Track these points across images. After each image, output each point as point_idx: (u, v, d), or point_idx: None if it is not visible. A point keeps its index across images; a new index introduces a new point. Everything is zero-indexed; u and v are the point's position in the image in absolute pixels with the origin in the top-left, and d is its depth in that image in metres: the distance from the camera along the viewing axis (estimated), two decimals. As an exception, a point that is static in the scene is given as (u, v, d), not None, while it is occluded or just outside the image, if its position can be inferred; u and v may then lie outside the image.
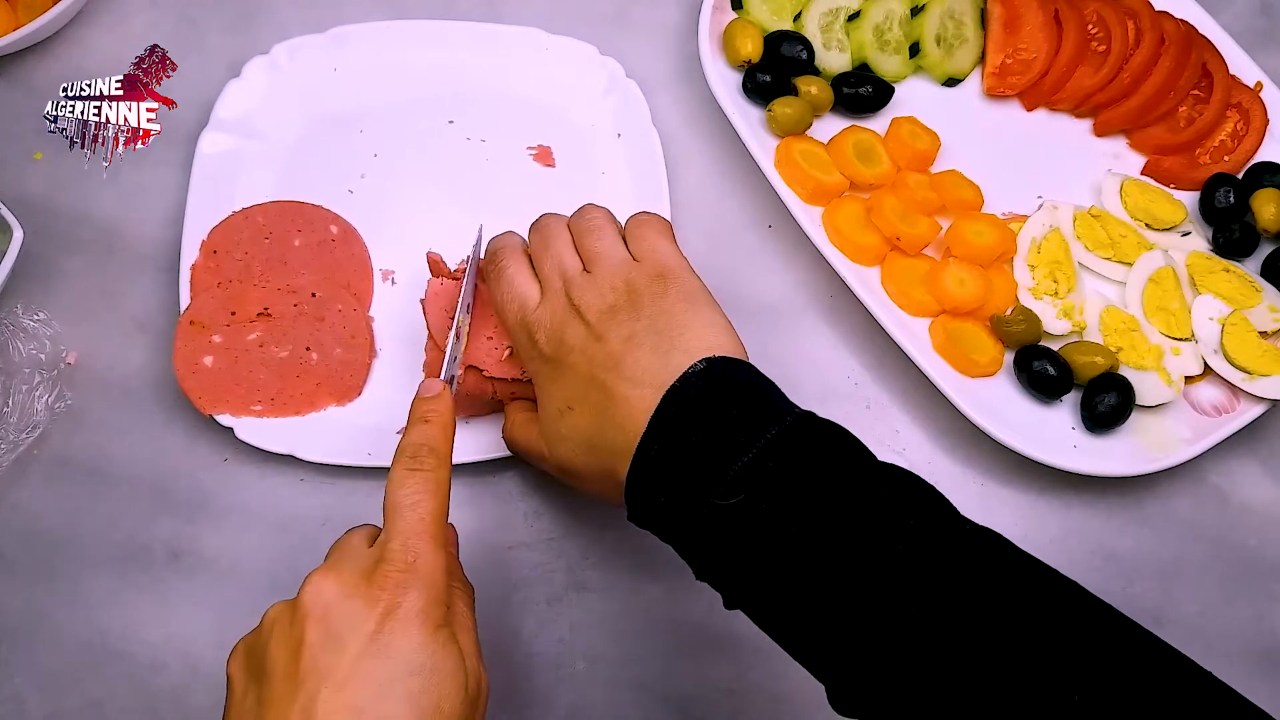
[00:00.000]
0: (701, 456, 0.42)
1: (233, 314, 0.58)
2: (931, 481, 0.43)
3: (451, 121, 0.65)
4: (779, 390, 0.46)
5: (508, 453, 0.56)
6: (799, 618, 0.41)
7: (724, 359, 0.45)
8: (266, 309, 0.59)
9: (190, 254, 0.59)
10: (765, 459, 0.41)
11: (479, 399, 0.55)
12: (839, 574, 0.40)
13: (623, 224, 0.53)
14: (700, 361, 0.45)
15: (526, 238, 0.55)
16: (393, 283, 0.61)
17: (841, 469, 0.42)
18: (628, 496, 0.45)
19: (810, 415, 0.44)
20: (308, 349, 0.58)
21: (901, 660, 0.38)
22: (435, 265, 0.56)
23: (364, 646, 0.39)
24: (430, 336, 0.55)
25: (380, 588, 0.40)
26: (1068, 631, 0.38)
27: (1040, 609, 0.39)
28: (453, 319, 0.53)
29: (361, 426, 0.57)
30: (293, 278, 0.60)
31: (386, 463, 0.56)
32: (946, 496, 0.43)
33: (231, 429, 0.56)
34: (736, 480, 0.41)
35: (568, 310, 0.49)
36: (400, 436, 0.46)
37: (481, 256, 0.56)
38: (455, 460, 0.56)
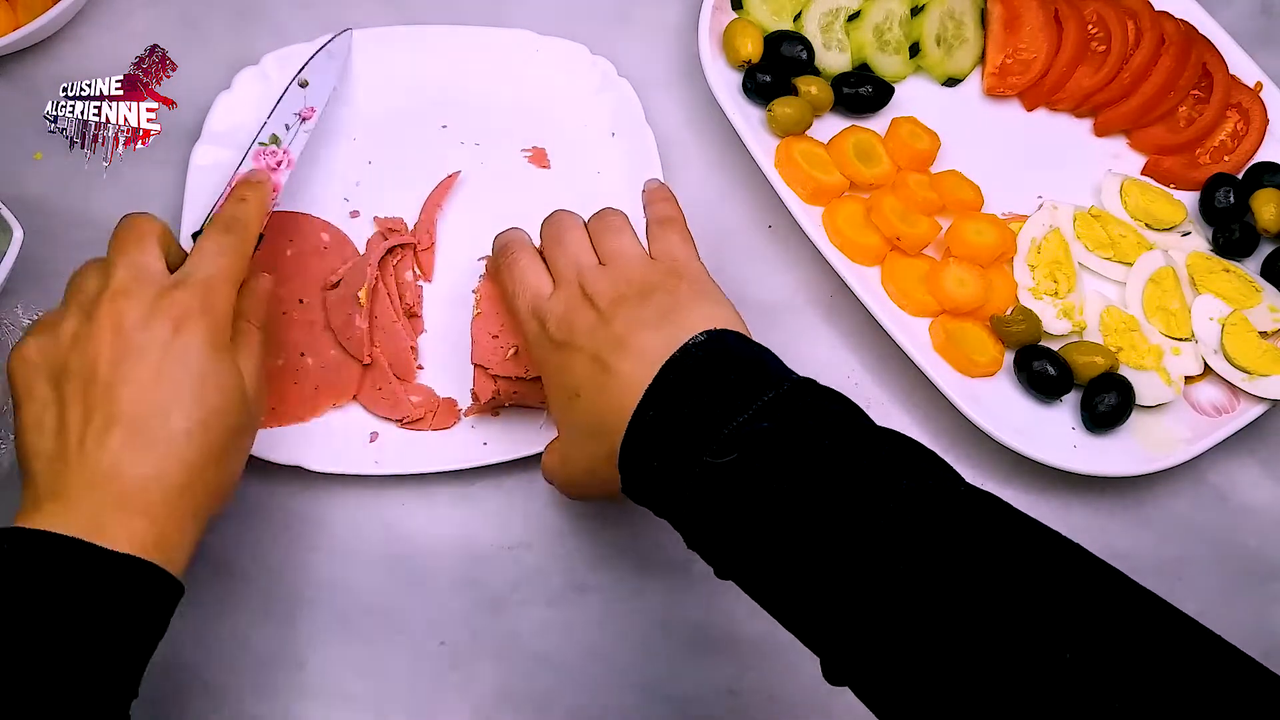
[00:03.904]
0: (696, 418, 0.42)
1: None
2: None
3: (445, 126, 0.65)
4: (781, 362, 0.46)
5: (508, 456, 0.56)
6: (790, 581, 0.40)
7: (726, 331, 0.46)
8: None
9: None
10: (760, 419, 0.41)
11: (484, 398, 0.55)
12: (829, 533, 0.39)
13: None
14: (701, 334, 0.45)
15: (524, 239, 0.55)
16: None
17: (837, 431, 0.41)
18: (621, 464, 0.45)
19: (810, 381, 0.44)
20: (302, 354, 0.58)
21: (892, 621, 0.37)
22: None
23: (162, 354, 0.44)
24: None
25: (176, 306, 0.45)
26: (1063, 590, 0.37)
27: (1036, 568, 0.38)
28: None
29: (363, 427, 0.57)
30: (282, 287, 0.59)
31: (391, 469, 0.56)
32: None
33: None
34: (730, 439, 0.41)
35: (580, 299, 0.49)
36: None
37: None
38: (456, 465, 0.57)
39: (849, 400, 0.44)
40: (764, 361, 0.45)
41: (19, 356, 0.46)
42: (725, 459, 0.41)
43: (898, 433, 0.43)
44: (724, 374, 0.44)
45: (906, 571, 0.37)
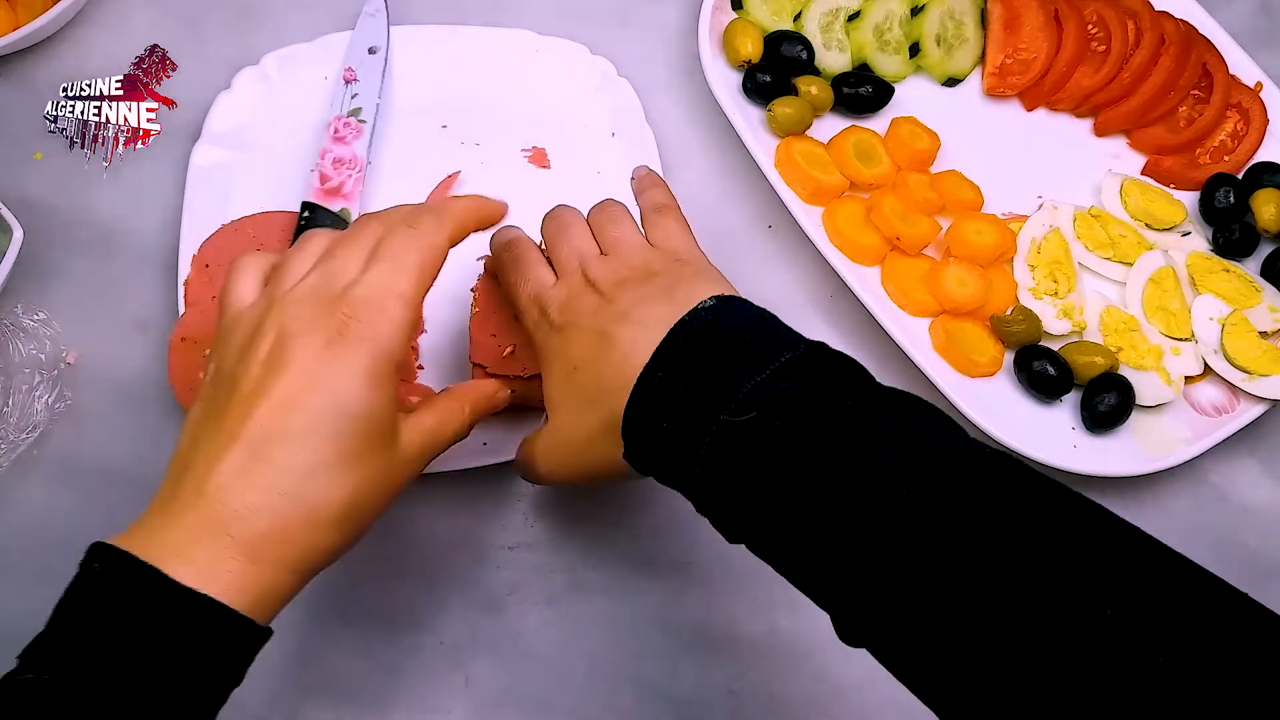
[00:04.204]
0: (711, 378, 0.41)
1: None
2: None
3: (445, 126, 0.65)
4: (789, 326, 0.45)
5: (509, 456, 0.56)
6: (808, 540, 0.39)
7: (736, 297, 0.45)
8: None
9: (186, 268, 0.59)
10: (779, 379, 0.40)
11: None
12: (853, 491, 0.37)
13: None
14: (711, 298, 0.44)
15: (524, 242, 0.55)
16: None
17: (858, 392, 0.41)
18: (626, 428, 0.43)
19: (823, 344, 0.43)
20: None
21: (929, 578, 0.36)
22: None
23: (308, 373, 0.39)
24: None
25: (338, 316, 0.40)
26: (1096, 548, 0.35)
27: (1066, 527, 0.36)
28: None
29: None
30: None
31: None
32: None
33: None
34: (749, 399, 0.40)
35: (583, 284, 0.49)
36: None
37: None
38: (456, 465, 0.56)
39: (860, 365, 0.43)
40: (775, 324, 0.44)
41: (224, 324, 0.43)
42: (744, 417, 0.40)
43: (915, 396, 0.42)
44: (738, 334, 0.43)
45: (940, 530, 0.36)
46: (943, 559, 0.36)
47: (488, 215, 0.48)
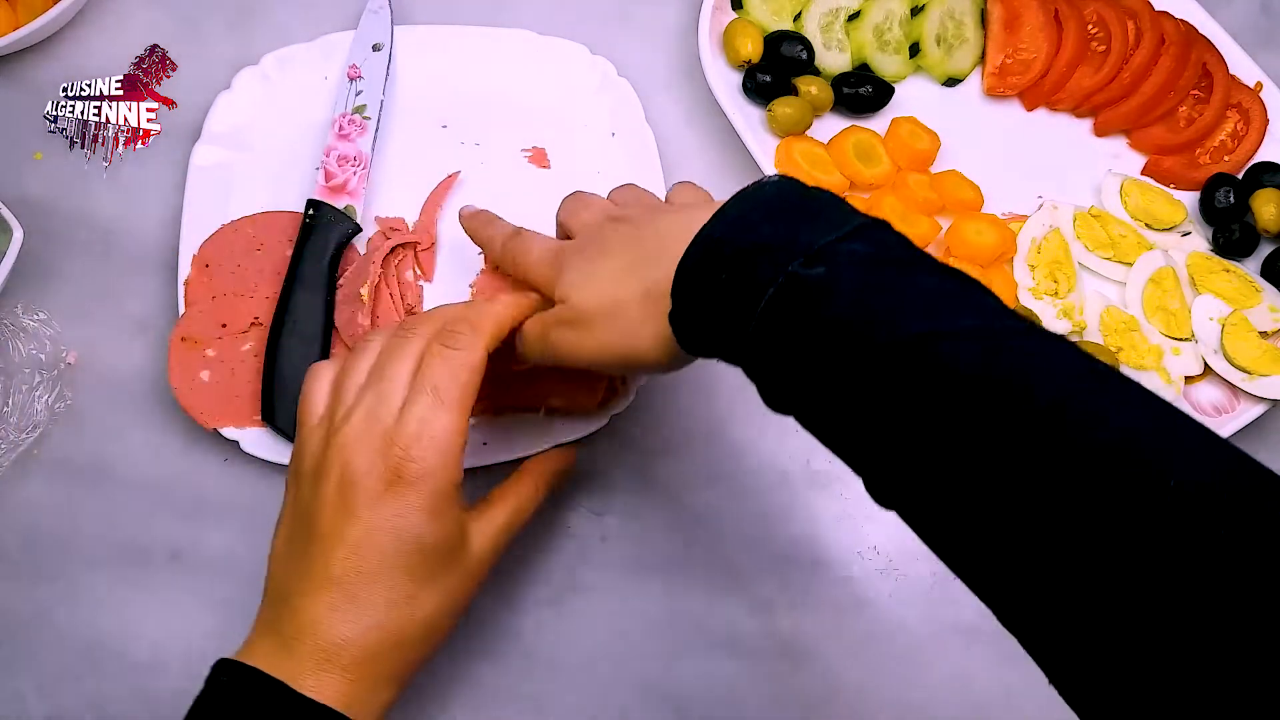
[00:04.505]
0: (778, 234, 0.40)
1: (224, 326, 0.58)
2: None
3: (445, 126, 0.65)
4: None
5: (509, 456, 0.56)
6: (862, 401, 0.38)
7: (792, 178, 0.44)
8: (257, 319, 0.58)
9: (186, 268, 0.59)
10: (853, 241, 0.39)
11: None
12: (916, 355, 0.36)
13: None
14: (770, 176, 0.44)
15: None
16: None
17: (929, 265, 0.40)
18: (677, 283, 0.41)
19: (887, 221, 0.42)
20: None
21: (974, 451, 0.35)
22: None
23: (376, 516, 0.43)
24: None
25: (393, 459, 0.43)
26: (1156, 420, 0.35)
27: (1124, 395, 0.36)
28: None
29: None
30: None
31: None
32: None
33: (237, 441, 0.56)
34: (822, 253, 0.39)
35: (606, 216, 0.48)
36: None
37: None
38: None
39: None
40: (841, 200, 0.43)
41: (295, 456, 0.47)
42: (813, 271, 0.39)
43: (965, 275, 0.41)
44: (806, 201, 0.42)
45: (1003, 402, 0.35)
46: (1006, 431, 0.35)
47: (522, 312, 0.49)
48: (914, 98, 0.68)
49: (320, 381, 0.48)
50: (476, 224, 0.55)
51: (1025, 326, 0.38)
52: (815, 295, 0.38)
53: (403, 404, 0.44)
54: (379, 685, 0.44)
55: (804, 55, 0.66)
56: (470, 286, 0.57)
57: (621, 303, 0.44)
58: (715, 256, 0.41)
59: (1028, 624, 0.36)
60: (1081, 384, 0.36)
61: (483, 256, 0.57)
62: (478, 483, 0.58)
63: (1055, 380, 0.36)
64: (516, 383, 0.54)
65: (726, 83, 0.65)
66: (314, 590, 0.43)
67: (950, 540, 0.38)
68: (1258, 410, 0.61)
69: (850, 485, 0.59)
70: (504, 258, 0.52)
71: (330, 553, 0.43)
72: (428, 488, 0.43)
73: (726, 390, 0.60)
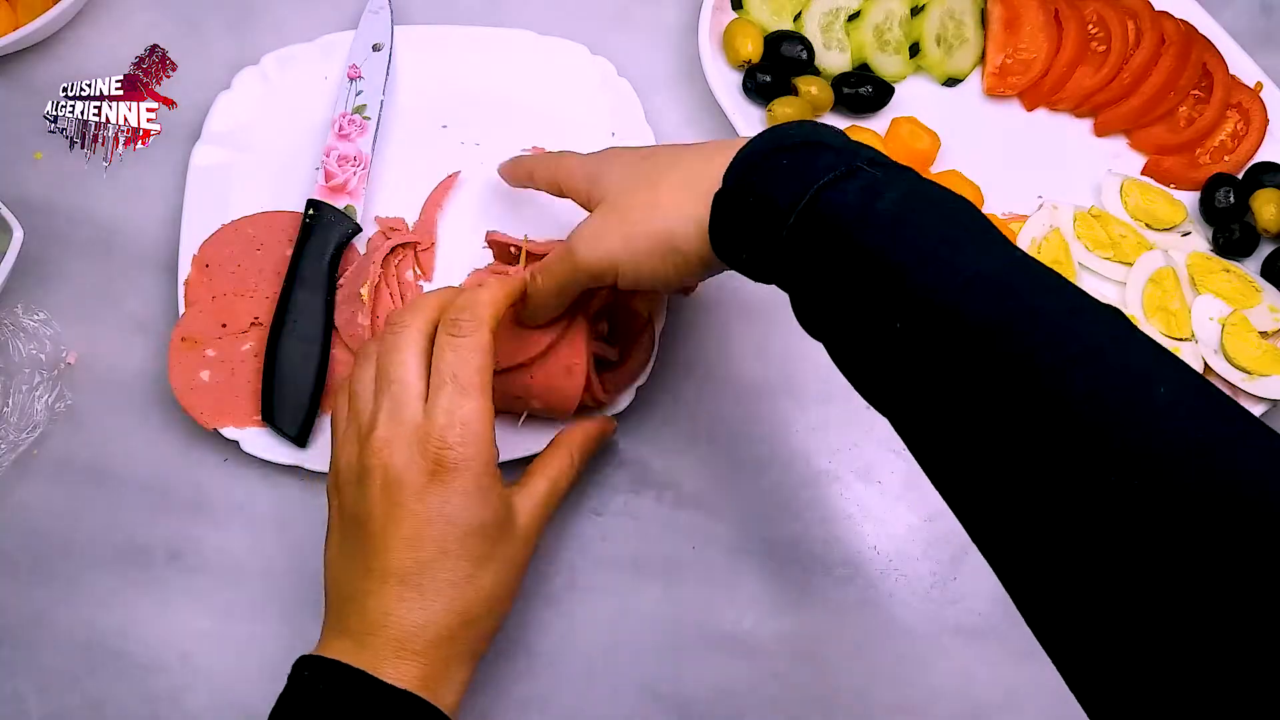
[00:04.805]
0: (827, 147, 0.43)
1: (224, 326, 0.58)
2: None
3: (445, 126, 0.65)
4: None
5: (508, 456, 0.56)
6: (889, 312, 0.39)
7: None
8: (257, 319, 0.58)
9: (186, 268, 0.59)
10: (891, 166, 0.42)
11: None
12: (945, 273, 0.38)
13: None
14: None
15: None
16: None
17: (971, 211, 0.41)
18: (730, 169, 0.44)
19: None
20: None
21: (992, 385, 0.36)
22: (499, 247, 0.57)
23: (424, 507, 0.44)
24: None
25: (431, 450, 0.45)
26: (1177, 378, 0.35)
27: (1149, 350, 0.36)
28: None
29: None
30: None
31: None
32: None
33: (237, 441, 0.56)
34: (871, 163, 0.41)
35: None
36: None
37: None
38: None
39: None
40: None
41: (333, 469, 0.48)
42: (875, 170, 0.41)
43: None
44: (837, 134, 0.44)
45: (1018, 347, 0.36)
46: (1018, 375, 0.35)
47: (512, 291, 0.49)
48: (914, 98, 0.68)
49: (341, 396, 0.50)
50: (514, 165, 0.56)
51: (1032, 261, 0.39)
52: (846, 205, 0.40)
53: (423, 397, 0.46)
54: (454, 664, 0.45)
55: (804, 55, 0.66)
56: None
57: (664, 189, 0.46)
58: (781, 139, 0.43)
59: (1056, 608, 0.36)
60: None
61: (489, 250, 0.57)
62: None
63: (1094, 328, 0.36)
64: (496, 390, 0.54)
65: (726, 83, 0.65)
66: (378, 587, 0.45)
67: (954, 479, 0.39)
68: (1258, 410, 0.61)
69: (850, 485, 0.59)
70: (540, 175, 0.54)
71: (388, 550, 0.45)
72: (470, 471, 0.45)
73: (726, 391, 0.60)
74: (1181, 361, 0.36)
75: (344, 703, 0.43)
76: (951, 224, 0.40)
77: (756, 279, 0.45)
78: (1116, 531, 0.32)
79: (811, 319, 0.43)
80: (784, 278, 0.43)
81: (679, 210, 0.46)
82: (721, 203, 0.44)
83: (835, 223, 0.40)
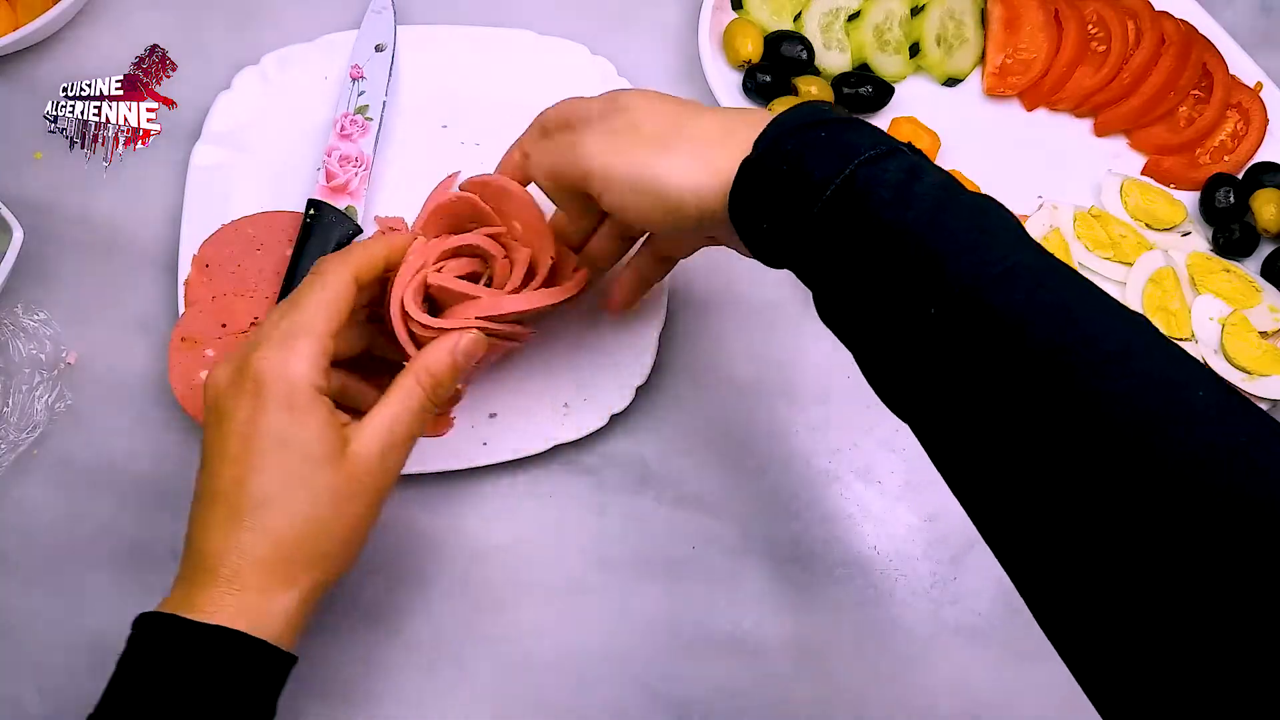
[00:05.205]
0: (864, 125, 0.42)
1: (224, 326, 0.58)
2: (933, 483, 0.43)
3: (445, 126, 0.65)
4: None
5: (508, 456, 0.56)
6: (904, 292, 0.38)
7: None
8: (257, 319, 0.58)
9: (186, 268, 0.59)
10: (913, 157, 0.41)
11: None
12: (963, 257, 0.37)
13: None
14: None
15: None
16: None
17: (1001, 209, 0.40)
18: (761, 137, 0.42)
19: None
20: None
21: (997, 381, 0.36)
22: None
23: (242, 425, 0.44)
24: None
25: (251, 370, 0.44)
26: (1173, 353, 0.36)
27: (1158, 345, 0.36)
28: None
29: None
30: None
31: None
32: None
33: None
34: (886, 150, 0.40)
35: None
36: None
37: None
38: (456, 465, 0.56)
39: None
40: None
41: None
42: (888, 155, 0.40)
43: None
44: (860, 122, 0.43)
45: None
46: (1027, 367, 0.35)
47: (395, 249, 0.49)
48: (914, 98, 0.68)
49: None
50: (504, 160, 0.54)
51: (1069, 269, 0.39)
52: (870, 183, 0.39)
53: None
54: (276, 593, 0.43)
55: (804, 55, 0.66)
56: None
57: (693, 126, 0.45)
58: (817, 113, 0.42)
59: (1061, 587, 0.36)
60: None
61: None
62: (482, 483, 0.58)
63: (1122, 330, 0.36)
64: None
65: (726, 83, 0.65)
66: (197, 513, 0.44)
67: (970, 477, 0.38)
68: (1258, 410, 0.61)
69: (850, 485, 0.59)
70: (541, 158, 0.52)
71: (210, 471, 0.44)
72: (284, 383, 0.44)
73: (726, 391, 0.60)
74: (1208, 368, 0.36)
75: (158, 651, 0.42)
76: (987, 216, 0.39)
77: (767, 258, 0.44)
78: (1154, 533, 0.32)
79: (833, 303, 0.42)
80: (806, 256, 0.42)
81: (692, 163, 0.44)
82: (749, 171, 0.42)
83: (873, 201, 0.39)
